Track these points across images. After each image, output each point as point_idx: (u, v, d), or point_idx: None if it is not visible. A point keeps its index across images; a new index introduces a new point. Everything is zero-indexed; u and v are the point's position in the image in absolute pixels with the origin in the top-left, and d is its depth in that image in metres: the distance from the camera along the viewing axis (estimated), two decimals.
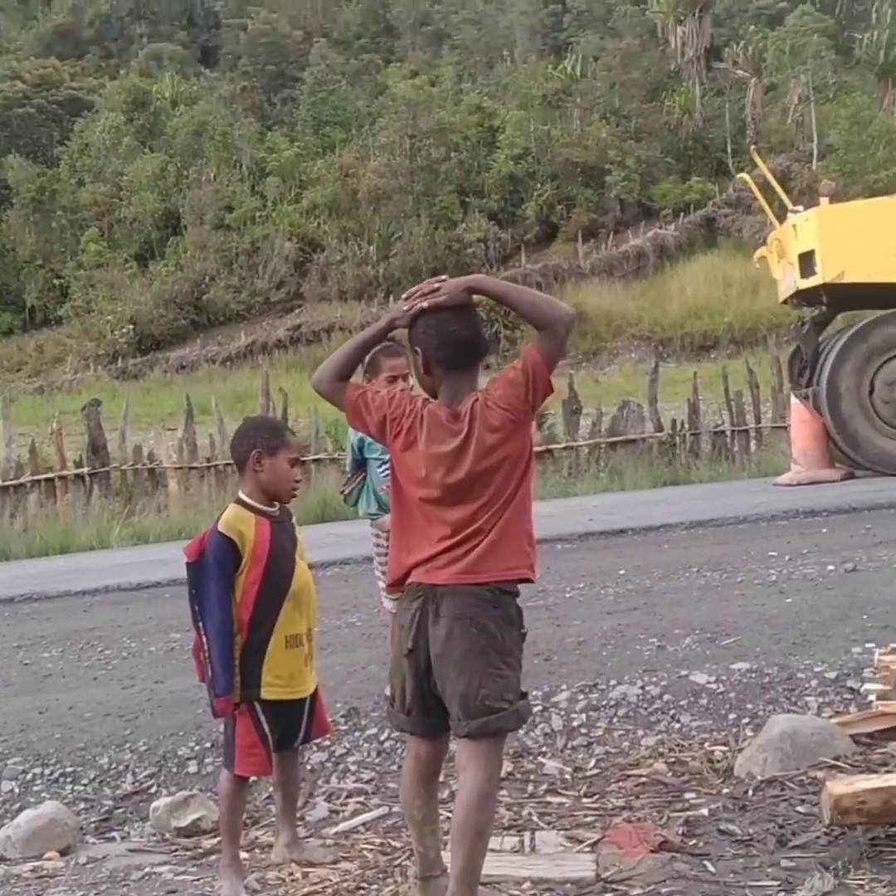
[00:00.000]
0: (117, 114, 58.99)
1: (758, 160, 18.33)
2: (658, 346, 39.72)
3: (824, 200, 15.36)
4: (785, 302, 16.60)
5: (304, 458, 19.49)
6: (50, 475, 17.79)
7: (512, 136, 53.92)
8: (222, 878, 3.93)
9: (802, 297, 15.72)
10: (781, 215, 16.44)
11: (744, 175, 19.99)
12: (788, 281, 15.63)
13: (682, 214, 50.32)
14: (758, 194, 17.70)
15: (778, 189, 16.94)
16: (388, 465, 5.45)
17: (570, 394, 21.91)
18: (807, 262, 14.86)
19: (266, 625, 3.98)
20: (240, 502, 4.10)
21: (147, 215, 53.53)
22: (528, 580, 3.43)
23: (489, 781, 3.35)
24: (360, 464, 5.85)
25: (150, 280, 49.89)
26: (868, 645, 5.76)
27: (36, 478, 17.63)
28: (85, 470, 17.98)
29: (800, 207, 16.23)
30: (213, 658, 3.91)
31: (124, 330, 45.39)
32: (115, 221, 54.62)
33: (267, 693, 3.97)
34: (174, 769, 5.26)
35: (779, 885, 3.67)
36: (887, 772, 4.31)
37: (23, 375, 45.79)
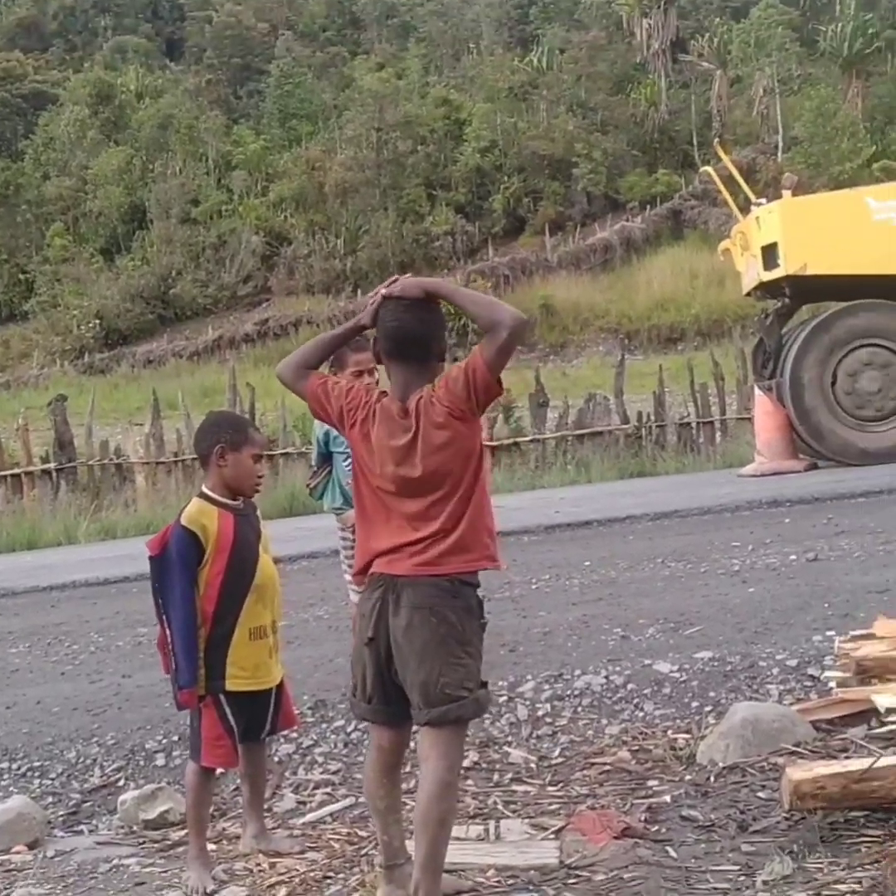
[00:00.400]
0: (82, 107, 58.59)
1: (721, 153, 18.46)
2: (625, 339, 39.85)
3: (787, 193, 15.49)
4: (748, 294, 16.74)
5: (272, 452, 19.52)
6: (16, 471, 17.74)
7: (478, 129, 53.90)
8: (190, 869, 3.96)
9: (766, 290, 15.84)
10: (745, 208, 16.57)
11: (708, 168, 20.12)
12: (752, 273, 15.75)
13: (648, 207, 50.46)
14: (721, 187, 17.82)
15: (741, 182, 17.04)
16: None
17: (537, 386, 21.98)
18: (770, 254, 14.98)
19: (230, 617, 4.01)
20: (203, 496, 4.12)
21: (113, 209, 53.18)
22: (488, 568, 3.47)
23: (450, 771, 3.39)
24: (327, 458, 5.88)
25: (116, 274, 49.57)
26: (829, 633, 5.84)
27: (2, 473, 17.58)
28: (52, 465, 17.93)
29: (763, 200, 16.37)
30: (177, 651, 3.93)
31: (90, 324, 45.10)
32: (81, 215, 54.25)
33: (232, 685, 4.00)
34: (142, 762, 5.28)
35: (739, 870, 3.72)
36: (846, 758, 4.38)
37: None
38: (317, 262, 48.94)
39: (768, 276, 15.08)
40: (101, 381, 36.87)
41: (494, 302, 3.34)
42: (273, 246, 50.74)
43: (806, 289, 15.30)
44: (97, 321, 45.47)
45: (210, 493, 4.12)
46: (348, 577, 5.90)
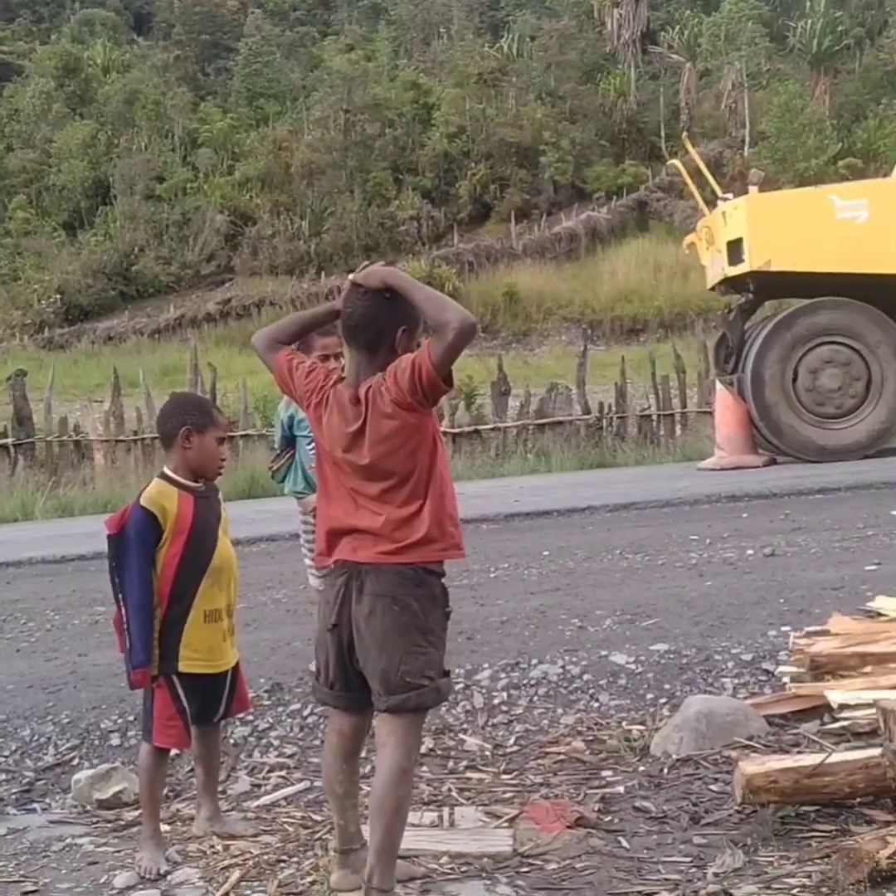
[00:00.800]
0: (48, 80, 57.99)
1: (689, 146, 18.52)
2: (588, 329, 39.91)
3: (753, 189, 15.57)
4: (712, 288, 16.82)
5: (233, 434, 19.43)
6: None
7: (447, 114, 53.80)
8: (143, 849, 3.96)
9: (730, 284, 15.93)
10: (712, 202, 16.63)
11: (675, 161, 20.17)
12: (716, 268, 15.84)
13: (614, 197, 50.55)
14: (688, 180, 17.87)
15: (708, 176, 17.12)
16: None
17: (499, 375, 22.01)
18: (735, 249, 15.06)
19: (185, 599, 4.02)
20: (164, 477, 4.11)
21: (76, 183, 52.67)
22: (454, 558, 3.49)
23: (407, 758, 3.40)
24: (290, 441, 5.88)
25: (78, 249, 49.14)
26: (784, 628, 5.90)
27: None
28: (9, 440, 17.79)
29: (729, 195, 16.45)
30: (132, 630, 3.93)
31: (51, 299, 44.70)
32: (44, 189, 53.71)
33: (184, 666, 4.00)
34: (96, 742, 5.26)
35: (691, 862, 3.76)
36: (799, 752, 4.43)
37: None
38: (281, 243, 48.72)
39: (733, 271, 15.17)
40: (61, 357, 36.60)
41: (445, 302, 3.32)
42: (237, 225, 50.48)
43: (770, 285, 15.39)
44: (58, 296, 45.06)
45: (172, 475, 4.10)
46: (308, 562, 5.90)
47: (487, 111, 53.85)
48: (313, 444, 5.44)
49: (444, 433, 20.55)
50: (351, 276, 3.48)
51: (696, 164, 17.54)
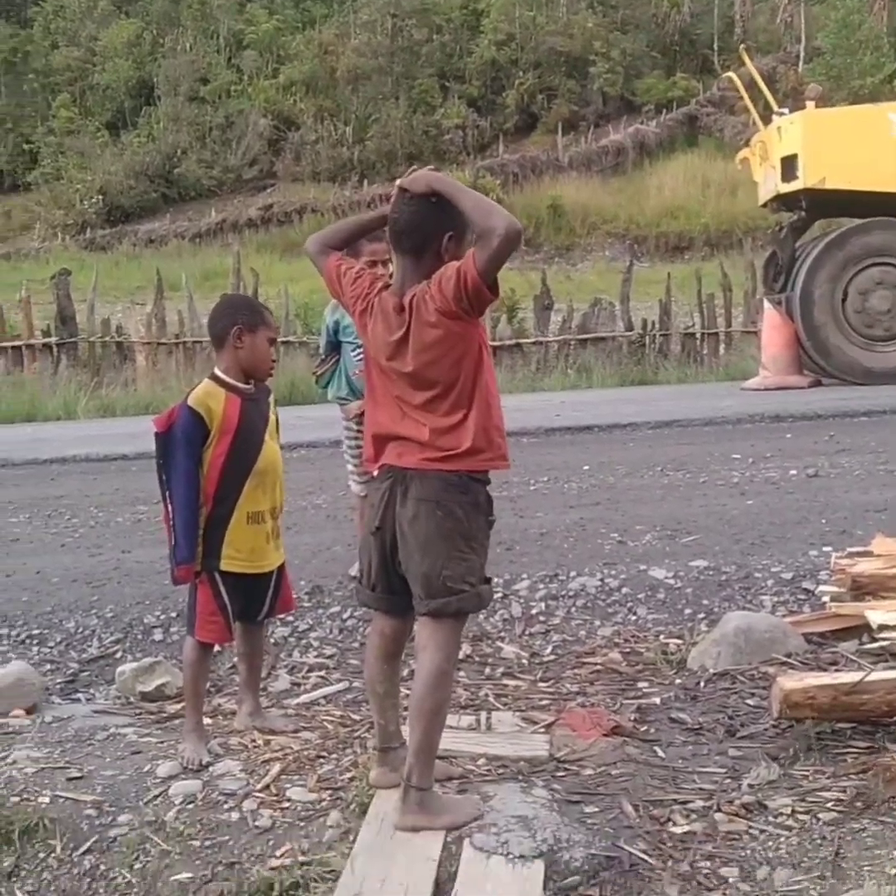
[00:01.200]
0: None
1: (746, 59, 18.13)
2: (632, 245, 39.50)
3: (810, 104, 15.25)
4: (764, 205, 16.56)
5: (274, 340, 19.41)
6: (17, 343, 17.69)
7: (496, 21, 52.75)
8: (186, 741, 4.02)
9: (782, 202, 15.68)
10: (766, 117, 16.32)
11: (730, 74, 19.79)
12: (769, 184, 15.58)
13: (664, 111, 49.61)
14: (744, 94, 17.54)
15: (764, 90, 16.78)
16: (362, 350, 5.53)
17: (542, 288, 21.86)
18: (789, 165, 14.81)
19: (229, 500, 4.04)
20: (214, 378, 4.11)
21: (120, 83, 52.16)
22: (499, 469, 3.49)
23: (447, 661, 3.43)
24: (335, 347, 5.86)
25: (121, 150, 48.79)
26: (825, 548, 5.90)
27: (3, 344, 17.53)
28: (53, 339, 17.88)
29: (785, 110, 16.13)
30: (177, 527, 3.97)
31: (93, 200, 44.49)
32: (88, 88, 53.23)
33: (226, 565, 4.04)
34: (139, 636, 5.35)
35: (725, 773, 3.80)
36: (836, 671, 4.45)
37: None
38: (324, 149, 48.19)
39: (786, 187, 14.92)
40: (103, 258, 36.54)
41: (492, 208, 3.26)
42: (280, 130, 49.93)
43: (823, 203, 15.14)
44: (100, 197, 44.84)
45: (222, 376, 4.10)
46: (351, 468, 5.93)
47: (537, 19, 52.75)
48: (358, 351, 5.47)
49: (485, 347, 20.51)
50: (398, 182, 3.44)
51: (751, 77, 17.19)
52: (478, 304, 3.28)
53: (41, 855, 3.38)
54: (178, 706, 4.51)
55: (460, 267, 3.26)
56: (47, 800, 3.62)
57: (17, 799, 3.60)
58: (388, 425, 3.47)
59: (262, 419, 4.17)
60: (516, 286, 22.97)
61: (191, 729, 4.06)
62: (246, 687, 4.36)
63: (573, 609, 5.56)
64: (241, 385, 4.11)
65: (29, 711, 4.58)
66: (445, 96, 50.62)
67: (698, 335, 22.13)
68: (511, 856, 3.22)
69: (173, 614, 5.46)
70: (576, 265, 38.86)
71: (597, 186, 44.08)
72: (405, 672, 4.20)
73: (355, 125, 48.87)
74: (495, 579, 5.70)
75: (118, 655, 5.21)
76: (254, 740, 4.14)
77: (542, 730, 4.20)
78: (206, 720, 4.27)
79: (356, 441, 5.83)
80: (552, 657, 5.09)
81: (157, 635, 5.34)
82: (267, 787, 3.74)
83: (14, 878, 3.29)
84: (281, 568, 4.27)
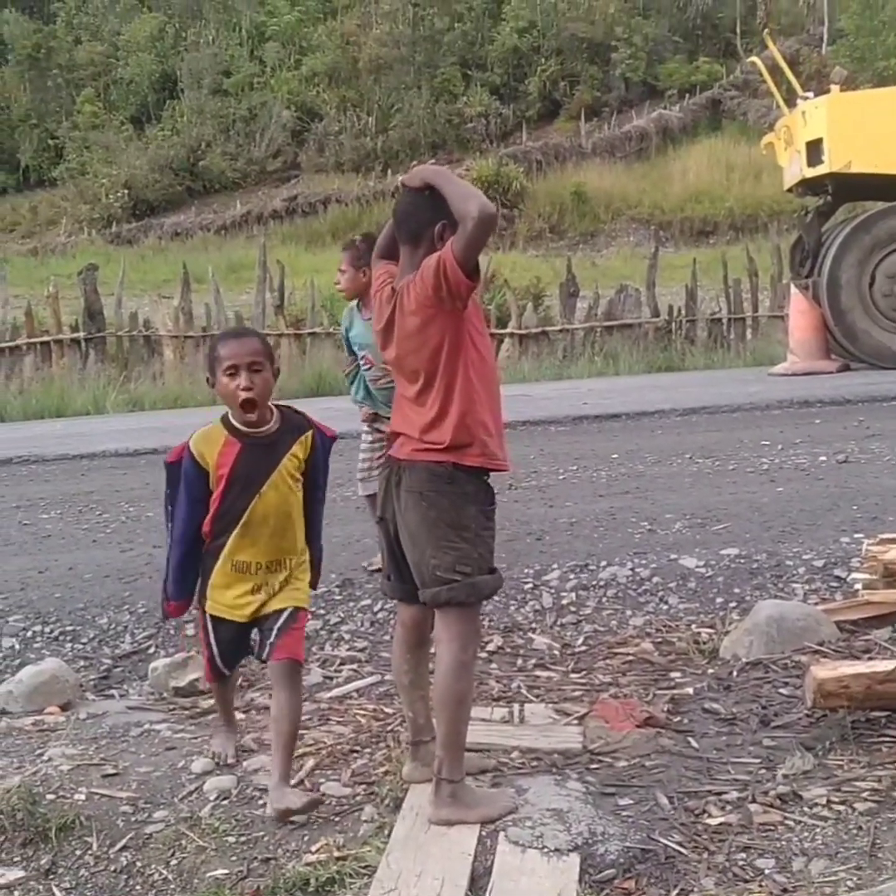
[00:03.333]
0: None
1: (769, 42, 18.01)
2: (657, 230, 39.33)
3: (835, 88, 15.13)
4: (790, 190, 16.47)
5: (300, 332, 19.50)
6: (46, 338, 17.77)
7: (517, 8, 52.54)
8: (215, 736, 4.07)
9: (808, 186, 15.59)
10: (790, 100, 16.21)
11: (754, 57, 19.67)
12: (794, 169, 15.48)
13: (687, 95, 49.34)
14: (768, 78, 17.41)
15: (788, 73, 16.68)
16: (364, 354, 5.68)
17: (567, 275, 21.80)
18: (814, 150, 14.71)
19: (217, 544, 3.81)
20: (224, 418, 3.81)
21: (144, 77, 52.27)
22: (486, 467, 3.47)
23: (463, 650, 3.43)
24: (352, 351, 5.99)
25: (145, 144, 48.93)
26: (856, 535, 5.86)
27: (32, 340, 17.62)
28: (81, 334, 17.95)
29: (810, 93, 16.00)
30: (170, 562, 3.89)
31: (119, 194, 44.63)
32: (112, 82, 53.34)
33: (209, 607, 3.87)
34: (172, 631, 5.37)
35: (760, 763, 3.78)
36: (870, 659, 4.42)
37: (16, 236, 45.06)
38: (347, 140, 48.16)
39: (812, 172, 14.83)
40: (129, 252, 36.66)
41: (469, 193, 3.30)
42: (304, 121, 49.94)
43: (849, 187, 15.05)
44: (125, 191, 45.01)
45: (229, 418, 3.78)
46: (360, 465, 6.03)
47: (559, 5, 52.51)
48: (363, 353, 5.69)
49: (512, 335, 20.49)
50: (399, 178, 3.54)
51: (774, 61, 17.08)
52: (456, 290, 3.29)
53: (78, 852, 3.40)
54: (211, 701, 4.52)
55: (440, 254, 3.30)
56: (83, 797, 3.64)
57: (52, 796, 3.62)
58: (396, 420, 3.56)
59: (268, 466, 3.77)
60: (541, 273, 22.96)
61: (220, 725, 4.10)
62: (273, 748, 3.81)
63: (604, 599, 5.54)
64: (243, 428, 3.76)
65: (63, 708, 4.61)
66: (468, 84, 50.48)
67: (725, 320, 22.04)
68: (546, 849, 3.22)
69: None
70: (600, 251, 38.70)
71: (620, 172, 43.88)
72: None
73: (378, 115, 48.81)
74: (525, 569, 5.74)
75: (151, 651, 5.23)
76: None
77: (576, 722, 4.19)
78: (239, 715, 4.29)
79: (368, 444, 5.98)
80: (584, 648, 5.08)
81: (190, 630, 5.34)
82: (301, 781, 3.76)
83: (51, 876, 3.31)
84: (281, 613, 3.81)
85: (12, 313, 18.47)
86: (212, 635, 3.89)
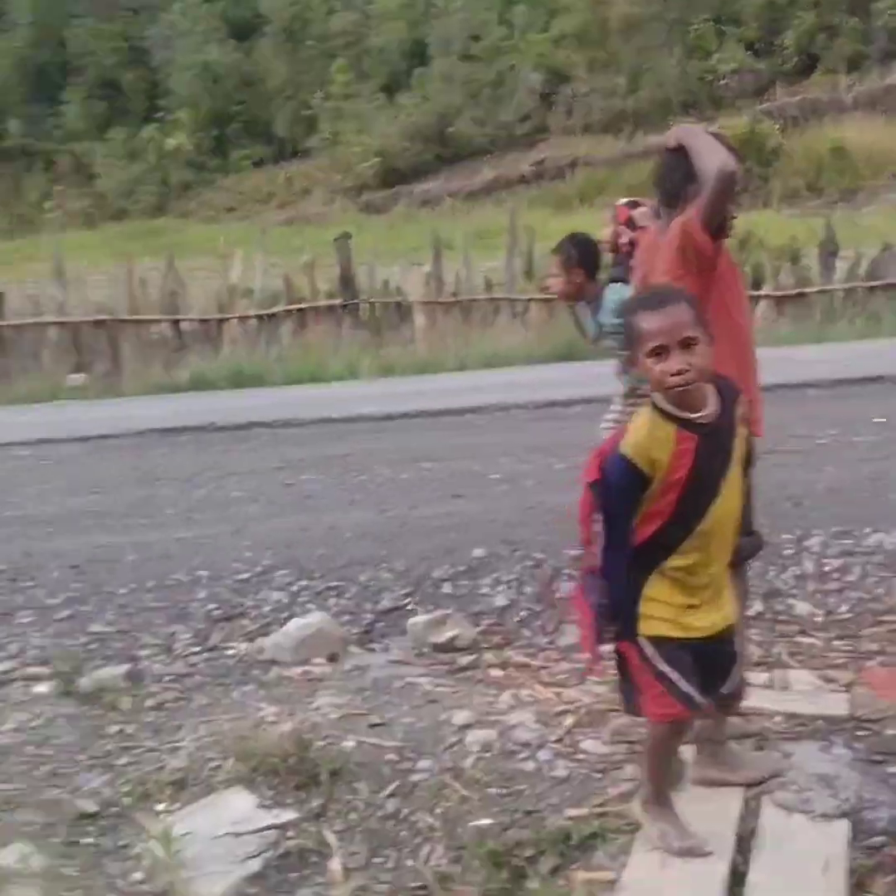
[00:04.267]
0: None
1: None
2: None
3: None
4: None
5: (549, 297, 19.43)
6: (303, 305, 18.31)
7: None
8: (648, 814, 3.18)
9: None
10: None
11: None
12: None
13: None
14: None
15: None
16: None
17: (827, 234, 21.06)
18: None
19: (659, 560, 3.04)
20: (655, 406, 2.98)
21: (395, 45, 53.11)
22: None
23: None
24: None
25: (396, 112, 49.76)
26: None
27: (290, 308, 18.20)
28: (336, 301, 18.43)
29: None
30: (613, 593, 3.02)
31: (371, 163, 45.63)
32: (363, 52, 54.40)
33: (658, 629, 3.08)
34: (429, 590, 5.48)
35: None
36: None
37: (272, 206, 46.64)
38: (596, 101, 47.72)
39: None
40: (379, 220, 37.40)
41: (711, 152, 3.31)
42: (552, 84, 49.74)
43: None
44: (377, 159, 45.92)
45: (662, 404, 2.96)
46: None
47: None
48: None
49: (767, 296, 19.91)
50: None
51: None
52: (700, 250, 3.30)
53: (348, 797, 3.52)
54: (471, 658, 4.62)
55: (684, 218, 3.34)
56: (352, 744, 3.76)
57: (322, 743, 3.76)
58: None
59: (724, 456, 3.03)
60: (798, 233, 22.23)
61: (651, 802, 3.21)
62: None
63: (869, 566, 5.37)
64: (689, 415, 2.95)
65: (331, 659, 4.78)
66: (721, 41, 49.20)
67: None
68: (813, 814, 3.17)
69: (461, 568, 5.58)
70: (861, 210, 37.18)
71: (883, 127, 41.96)
72: None
73: (628, 75, 48.17)
74: (785, 535, 5.60)
75: (409, 607, 5.35)
76: (544, 693, 4.19)
77: (842, 688, 4.10)
78: (498, 672, 4.35)
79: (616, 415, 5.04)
80: (848, 615, 4.95)
81: (447, 588, 5.45)
82: (560, 738, 3.79)
83: (322, 819, 3.44)
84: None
85: (271, 282, 19.10)
86: (666, 664, 3.04)
